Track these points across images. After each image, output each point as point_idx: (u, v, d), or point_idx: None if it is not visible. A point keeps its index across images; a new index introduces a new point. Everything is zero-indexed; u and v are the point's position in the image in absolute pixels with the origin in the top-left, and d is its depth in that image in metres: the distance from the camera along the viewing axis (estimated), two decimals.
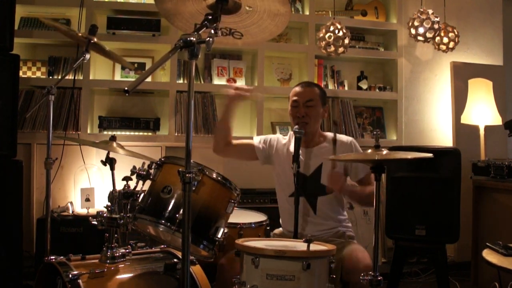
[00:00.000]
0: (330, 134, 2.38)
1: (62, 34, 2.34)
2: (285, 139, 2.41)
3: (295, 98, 2.30)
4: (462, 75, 3.91)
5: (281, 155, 2.36)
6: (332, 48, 3.42)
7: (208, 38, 1.33)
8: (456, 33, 3.71)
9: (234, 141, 2.35)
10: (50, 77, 3.32)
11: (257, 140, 2.41)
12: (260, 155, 2.39)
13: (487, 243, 2.13)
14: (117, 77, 3.51)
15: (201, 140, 3.43)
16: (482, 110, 3.71)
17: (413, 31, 3.56)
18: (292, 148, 2.22)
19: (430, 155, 1.61)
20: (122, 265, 1.84)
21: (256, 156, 2.39)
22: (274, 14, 1.61)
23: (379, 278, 1.58)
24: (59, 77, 3.17)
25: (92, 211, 3.04)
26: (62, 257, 1.80)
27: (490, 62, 4.12)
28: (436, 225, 2.91)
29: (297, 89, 2.33)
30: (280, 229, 2.39)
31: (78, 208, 3.12)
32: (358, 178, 2.29)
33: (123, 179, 1.89)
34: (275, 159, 2.38)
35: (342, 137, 2.37)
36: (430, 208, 2.93)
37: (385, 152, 1.68)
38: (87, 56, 2.21)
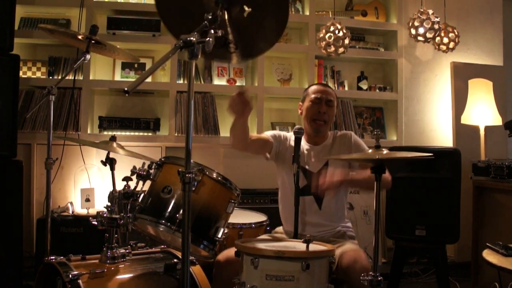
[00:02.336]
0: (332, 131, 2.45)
1: (63, 37, 2.34)
2: None
3: (317, 95, 2.30)
4: (462, 75, 3.91)
5: (290, 154, 2.28)
6: (332, 48, 3.42)
7: (208, 38, 1.33)
8: (456, 33, 3.71)
9: (253, 136, 2.26)
10: (50, 77, 3.32)
11: (270, 134, 2.37)
12: (273, 150, 2.32)
13: (487, 244, 2.13)
14: (117, 77, 3.51)
15: (201, 140, 3.43)
16: (482, 110, 3.71)
17: (413, 31, 3.56)
18: (302, 146, 2.26)
19: (430, 154, 1.61)
20: (122, 265, 1.84)
21: (270, 150, 2.32)
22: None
23: (379, 278, 1.58)
24: (59, 77, 3.17)
25: (92, 211, 3.04)
26: (62, 257, 1.81)
27: (490, 62, 4.12)
28: (436, 225, 2.91)
29: (317, 87, 2.35)
30: (281, 228, 2.38)
31: (78, 208, 3.12)
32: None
33: (123, 179, 1.89)
34: (285, 157, 2.32)
35: (342, 132, 2.43)
36: (430, 208, 2.93)
37: (385, 151, 1.68)
38: (88, 56, 2.20)
